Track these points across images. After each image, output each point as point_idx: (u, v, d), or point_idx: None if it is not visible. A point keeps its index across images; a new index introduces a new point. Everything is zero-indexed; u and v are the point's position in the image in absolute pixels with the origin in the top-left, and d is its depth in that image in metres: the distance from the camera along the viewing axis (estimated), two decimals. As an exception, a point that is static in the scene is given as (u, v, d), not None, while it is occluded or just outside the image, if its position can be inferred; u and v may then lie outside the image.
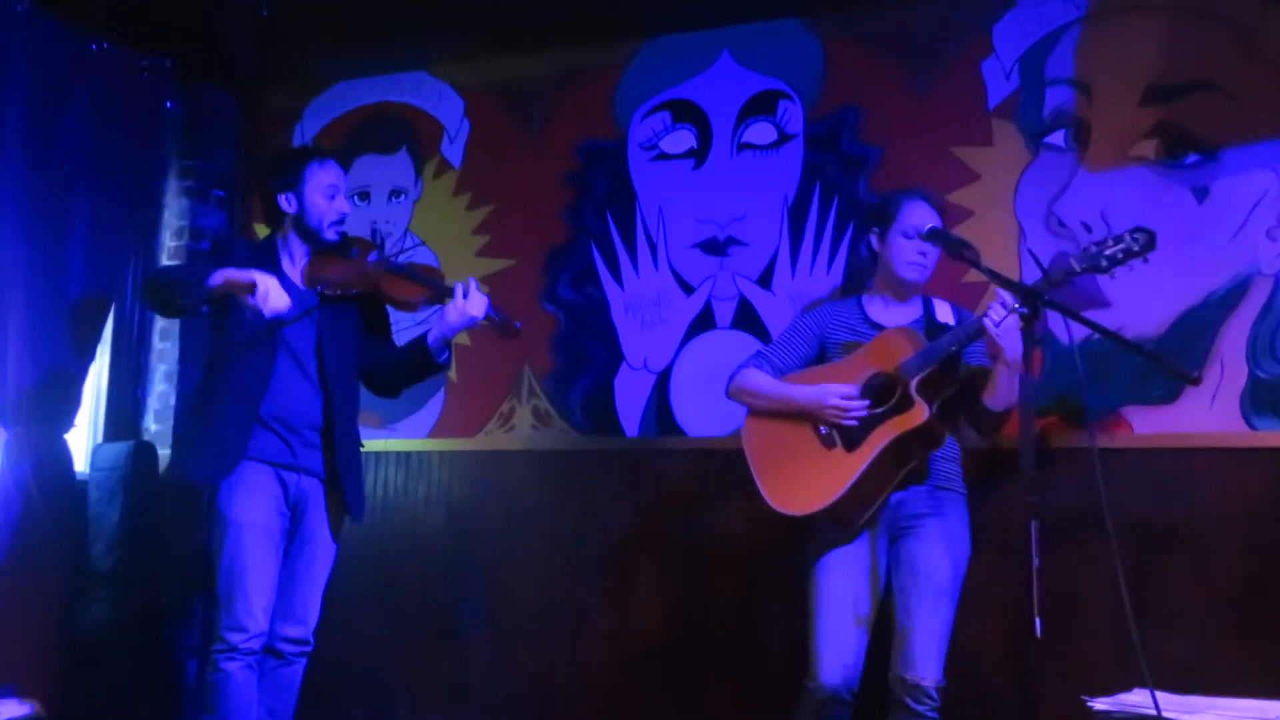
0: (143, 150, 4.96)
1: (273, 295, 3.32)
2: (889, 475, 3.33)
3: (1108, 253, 3.09)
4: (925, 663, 3.27)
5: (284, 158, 3.75)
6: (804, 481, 3.38)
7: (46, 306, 4.50)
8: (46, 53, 4.54)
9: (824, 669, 3.34)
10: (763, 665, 4.13)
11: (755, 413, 3.55)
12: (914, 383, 3.30)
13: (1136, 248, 3.10)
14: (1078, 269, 3.11)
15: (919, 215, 3.47)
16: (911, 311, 3.57)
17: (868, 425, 3.34)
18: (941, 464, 3.44)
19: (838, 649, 3.34)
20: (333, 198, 3.63)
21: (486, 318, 3.60)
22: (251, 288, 3.32)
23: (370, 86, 5.21)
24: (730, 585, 4.23)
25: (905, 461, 3.34)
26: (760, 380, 3.55)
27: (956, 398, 3.43)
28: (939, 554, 3.35)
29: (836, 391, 3.36)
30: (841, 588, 3.37)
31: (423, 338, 3.63)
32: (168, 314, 3.56)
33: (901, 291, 3.56)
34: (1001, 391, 3.34)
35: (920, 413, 3.27)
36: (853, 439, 3.34)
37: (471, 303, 3.55)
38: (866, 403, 3.35)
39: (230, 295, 3.38)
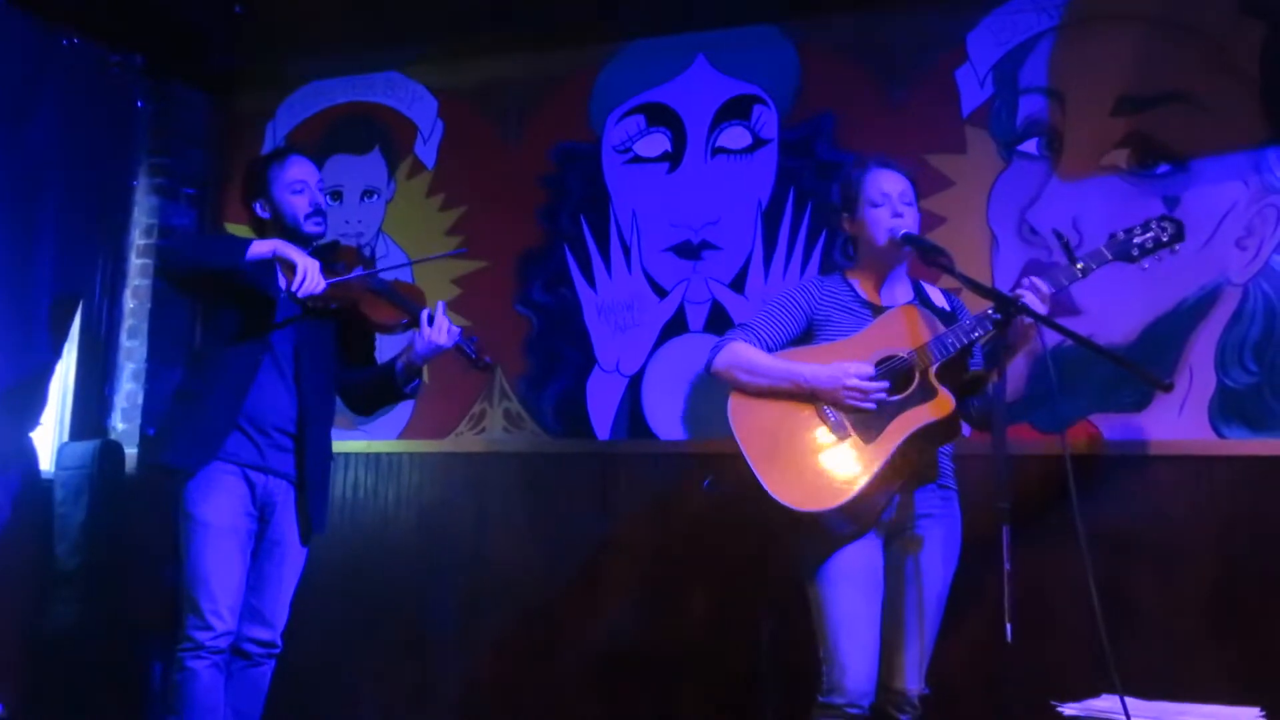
0: (113, 147, 4.93)
1: (310, 280, 3.36)
2: (906, 468, 3.10)
3: (1137, 240, 3.07)
4: (914, 673, 3.16)
5: (250, 168, 3.75)
6: (815, 473, 3.06)
7: (13, 304, 4.45)
8: (16, 46, 4.50)
9: (851, 680, 3.05)
10: (736, 670, 4.12)
11: (744, 391, 3.18)
12: (935, 369, 3.07)
13: (1165, 237, 3.08)
14: (1109, 256, 3.08)
15: (882, 180, 3.27)
16: (905, 292, 3.33)
17: (886, 413, 3.06)
18: (944, 460, 3.26)
19: (863, 657, 3.08)
20: (300, 192, 3.61)
21: (457, 347, 3.54)
22: (293, 267, 3.37)
23: (343, 86, 5.18)
24: (702, 589, 4.23)
25: (923, 453, 3.13)
26: (756, 355, 3.18)
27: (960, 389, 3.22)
28: (939, 563, 3.19)
29: (855, 371, 3.07)
30: (856, 591, 3.10)
31: (393, 363, 3.61)
32: (188, 283, 3.52)
33: (889, 266, 3.29)
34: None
35: (947, 402, 3.05)
36: (868, 427, 3.06)
37: (438, 330, 3.50)
38: (886, 384, 3.07)
39: (241, 280, 3.40)
